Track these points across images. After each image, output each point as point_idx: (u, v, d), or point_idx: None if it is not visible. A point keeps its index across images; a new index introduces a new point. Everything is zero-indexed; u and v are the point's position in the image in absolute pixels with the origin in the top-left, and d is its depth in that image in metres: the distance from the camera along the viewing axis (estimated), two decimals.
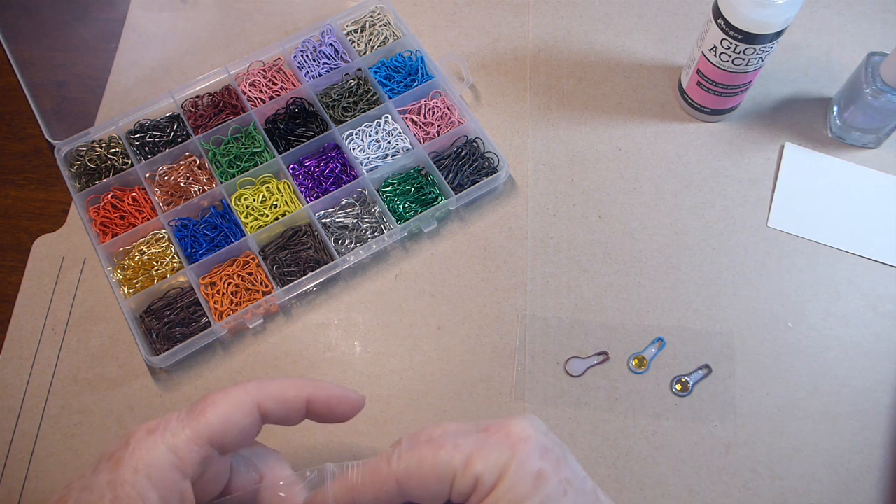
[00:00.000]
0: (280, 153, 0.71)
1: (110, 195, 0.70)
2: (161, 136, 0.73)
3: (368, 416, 0.62)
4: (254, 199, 0.69)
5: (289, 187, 0.70)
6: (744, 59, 0.64)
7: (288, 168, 0.71)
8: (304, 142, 0.71)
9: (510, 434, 0.38)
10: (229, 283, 0.66)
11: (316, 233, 0.68)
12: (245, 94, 0.74)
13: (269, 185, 0.70)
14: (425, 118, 0.73)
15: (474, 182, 0.69)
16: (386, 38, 0.78)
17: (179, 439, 0.38)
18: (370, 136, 0.72)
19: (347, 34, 0.78)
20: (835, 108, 0.72)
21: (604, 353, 0.64)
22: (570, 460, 0.40)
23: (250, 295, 0.66)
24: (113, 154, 0.72)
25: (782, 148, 0.72)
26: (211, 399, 0.40)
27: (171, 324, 0.64)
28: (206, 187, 0.71)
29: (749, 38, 0.62)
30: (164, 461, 0.37)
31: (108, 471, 0.37)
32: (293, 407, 0.42)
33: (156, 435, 0.38)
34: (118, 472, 0.37)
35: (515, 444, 0.38)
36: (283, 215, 0.68)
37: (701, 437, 0.60)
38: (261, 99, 0.74)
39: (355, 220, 0.69)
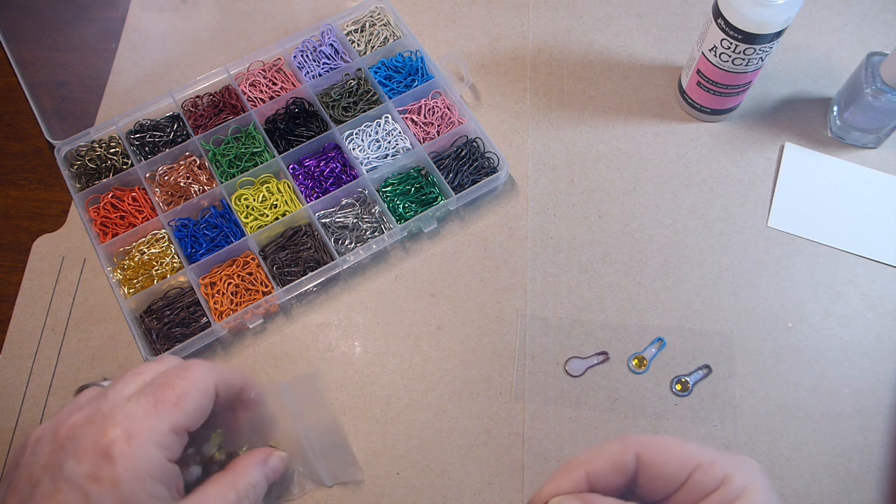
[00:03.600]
0: (280, 153, 0.71)
1: (110, 195, 0.70)
2: (161, 136, 0.73)
3: (368, 415, 0.62)
4: (254, 199, 0.69)
5: (289, 187, 0.70)
6: (744, 59, 0.64)
7: (288, 168, 0.71)
8: (304, 142, 0.71)
9: (753, 465, 0.37)
10: (229, 283, 0.66)
11: (316, 233, 0.68)
12: (245, 94, 0.74)
13: (269, 185, 0.70)
14: (425, 118, 0.73)
15: (474, 182, 0.69)
16: (386, 38, 0.78)
17: (164, 437, 0.40)
18: (370, 136, 0.72)
19: (347, 34, 0.78)
20: (835, 108, 0.72)
21: (604, 353, 0.64)
22: None
23: (250, 295, 0.66)
24: (113, 154, 0.72)
25: (782, 148, 0.72)
26: (181, 388, 0.42)
27: (171, 324, 0.64)
28: (206, 187, 0.71)
29: (749, 38, 0.62)
30: (158, 459, 0.40)
31: (109, 488, 0.38)
32: (231, 394, 0.46)
33: (140, 438, 0.39)
34: (120, 487, 0.38)
35: (761, 473, 0.37)
36: (283, 215, 0.68)
37: (701, 437, 0.60)
38: (261, 99, 0.74)
39: (355, 220, 0.69)
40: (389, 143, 0.72)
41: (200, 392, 0.43)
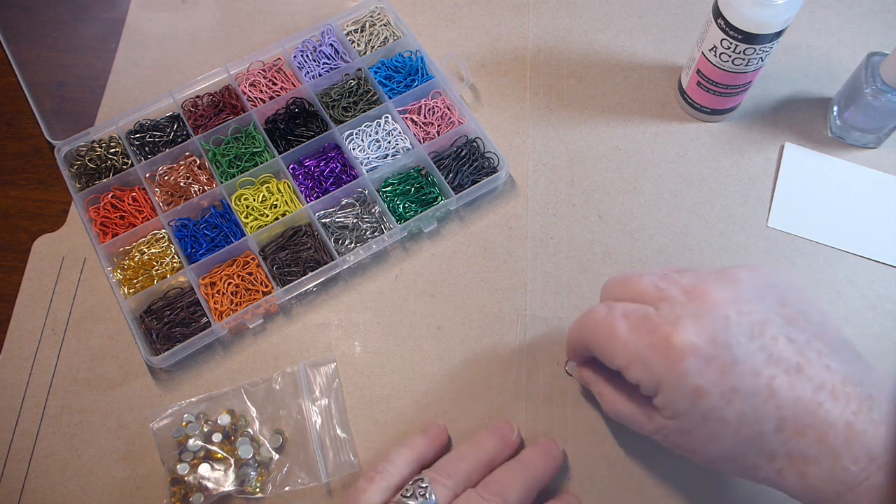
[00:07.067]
0: (280, 153, 0.71)
1: (110, 195, 0.70)
2: (161, 136, 0.73)
3: (368, 415, 0.62)
4: (254, 199, 0.69)
5: (289, 187, 0.70)
6: (744, 59, 0.64)
7: (288, 168, 0.71)
8: (304, 142, 0.71)
9: (671, 344, 0.37)
10: (229, 283, 0.66)
11: (316, 233, 0.68)
12: (245, 94, 0.74)
13: (269, 185, 0.70)
14: (425, 118, 0.73)
15: (474, 182, 0.69)
16: (386, 38, 0.78)
17: None
18: (370, 136, 0.72)
19: (347, 34, 0.78)
20: (835, 108, 0.72)
21: None
22: (744, 359, 0.38)
23: (250, 295, 0.66)
24: (113, 154, 0.72)
25: (782, 148, 0.72)
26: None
27: (171, 324, 0.64)
28: (206, 187, 0.71)
29: (749, 38, 0.62)
30: None
31: None
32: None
33: None
34: None
35: (674, 361, 0.37)
36: (283, 215, 0.68)
37: None
38: (261, 99, 0.74)
39: (355, 220, 0.69)
40: (389, 143, 0.72)
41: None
